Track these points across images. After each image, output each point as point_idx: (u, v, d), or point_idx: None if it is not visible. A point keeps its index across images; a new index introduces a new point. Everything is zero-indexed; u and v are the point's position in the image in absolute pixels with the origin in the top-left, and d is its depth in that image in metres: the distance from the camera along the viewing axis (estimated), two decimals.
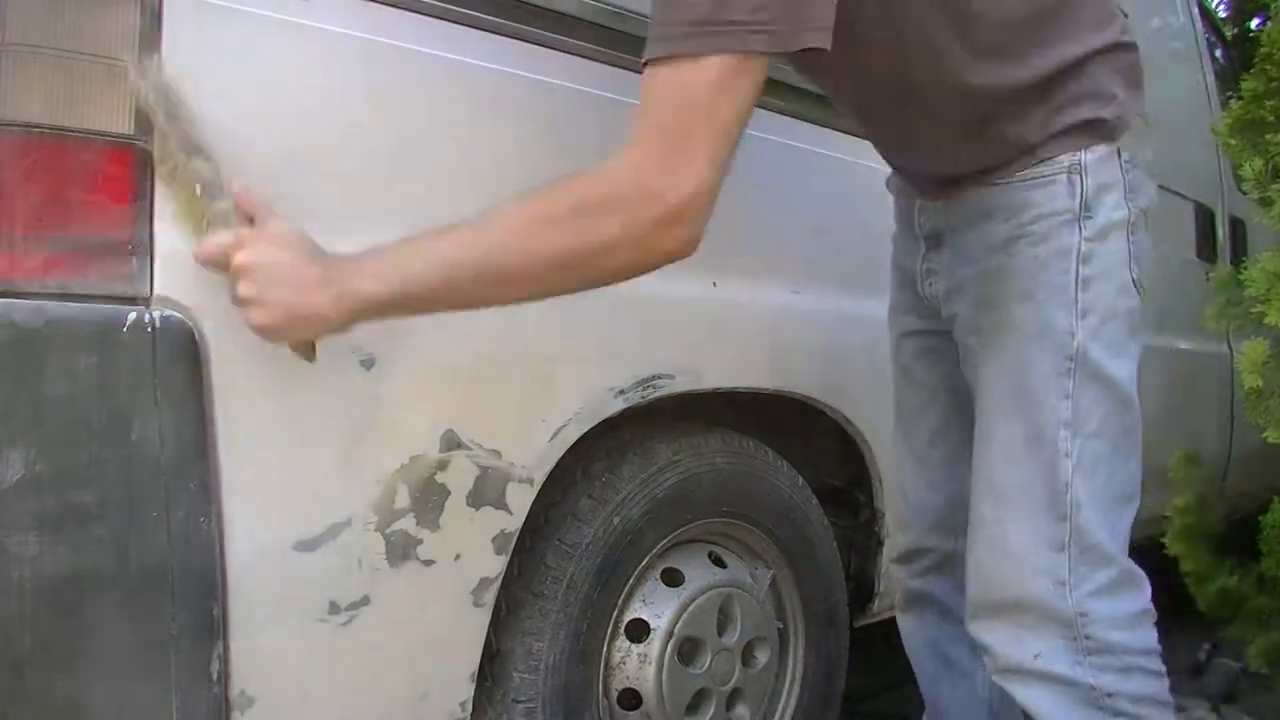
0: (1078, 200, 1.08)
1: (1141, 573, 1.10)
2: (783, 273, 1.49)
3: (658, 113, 0.91)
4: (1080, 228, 1.08)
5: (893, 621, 1.86)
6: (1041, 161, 1.09)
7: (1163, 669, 1.10)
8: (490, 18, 1.14)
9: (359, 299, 0.91)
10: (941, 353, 1.28)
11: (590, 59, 1.24)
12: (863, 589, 1.71)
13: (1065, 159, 1.09)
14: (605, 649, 1.32)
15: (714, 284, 1.38)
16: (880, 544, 1.68)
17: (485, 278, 0.92)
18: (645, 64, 0.90)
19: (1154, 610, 1.11)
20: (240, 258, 0.89)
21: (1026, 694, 1.11)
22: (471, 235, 0.91)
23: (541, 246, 0.90)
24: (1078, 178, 1.08)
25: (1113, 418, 1.08)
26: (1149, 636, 1.10)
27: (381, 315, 0.94)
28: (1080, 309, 1.08)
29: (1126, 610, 1.08)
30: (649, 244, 0.91)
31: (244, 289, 0.90)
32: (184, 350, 0.93)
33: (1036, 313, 1.09)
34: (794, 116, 1.49)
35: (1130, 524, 1.11)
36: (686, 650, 1.36)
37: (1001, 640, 1.11)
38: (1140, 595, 1.10)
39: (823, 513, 1.59)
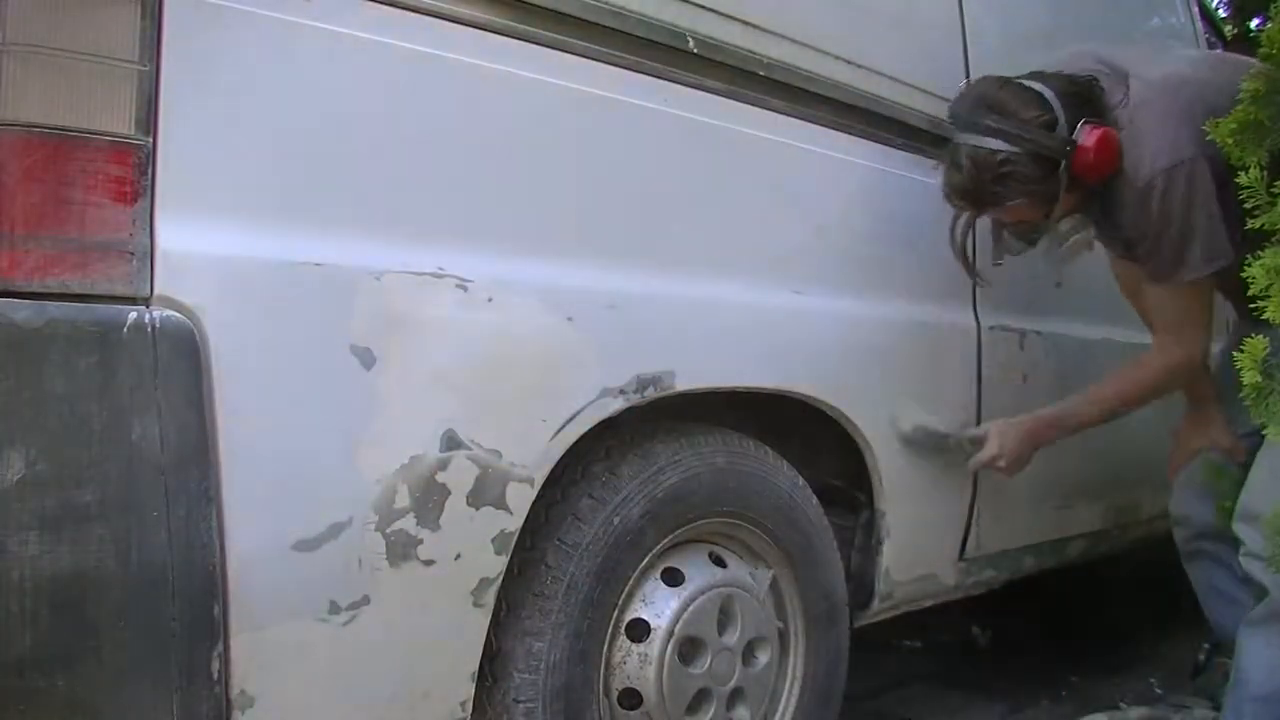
0: None
1: None
2: (784, 273, 1.49)
3: (1184, 315, 1.68)
4: None
5: (893, 621, 1.86)
6: None
7: None
8: (492, 19, 1.14)
9: (1046, 441, 1.81)
10: None
11: (594, 59, 1.24)
12: (863, 589, 1.71)
13: None
14: (605, 649, 1.32)
15: (715, 284, 1.38)
16: (880, 543, 1.68)
17: (1095, 413, 1.82)
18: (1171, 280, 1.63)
19: None
20: (1003, 465, 1.77)
21: (1251, 567, 1.59)
22: (1102, 404, 1.81)
23: (1121, 402, 1.80)
24: None
25: None
26: None
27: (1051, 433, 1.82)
28: None
29: None
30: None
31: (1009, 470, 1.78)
32: (184, 350, 0.93)
33: None
34: (798, 118, 1.49)
35: None
36: (687, 650, 1.36)
37: (1250, 536, 1.59)
38: None
39: (823, 513, 1.58)
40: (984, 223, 1.70)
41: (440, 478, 1.10)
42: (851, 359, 1.58)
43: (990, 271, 1.75)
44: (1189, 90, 1.58)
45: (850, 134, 1.59)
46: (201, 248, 0.95)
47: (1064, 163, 1.55)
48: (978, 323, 1.83)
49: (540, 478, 1.19)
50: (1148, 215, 1.57)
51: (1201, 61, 1.72)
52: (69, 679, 0.89)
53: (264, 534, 0.99)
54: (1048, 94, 1.56)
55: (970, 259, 1.69)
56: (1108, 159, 1.56)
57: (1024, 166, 1.54)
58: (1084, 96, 1.59)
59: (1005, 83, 1.60)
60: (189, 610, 0.94)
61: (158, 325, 0.91)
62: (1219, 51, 2.61)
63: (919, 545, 1.77)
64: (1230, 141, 1.50)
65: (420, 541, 1.10)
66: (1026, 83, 1.59)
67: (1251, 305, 1.39)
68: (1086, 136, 1.54)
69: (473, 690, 1.18)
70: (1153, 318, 1.76)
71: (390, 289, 1.06)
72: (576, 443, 1.22)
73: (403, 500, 1.08)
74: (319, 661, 1.05)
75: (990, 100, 1.57)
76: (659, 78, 1.31)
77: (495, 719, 1.25)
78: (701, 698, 1.38)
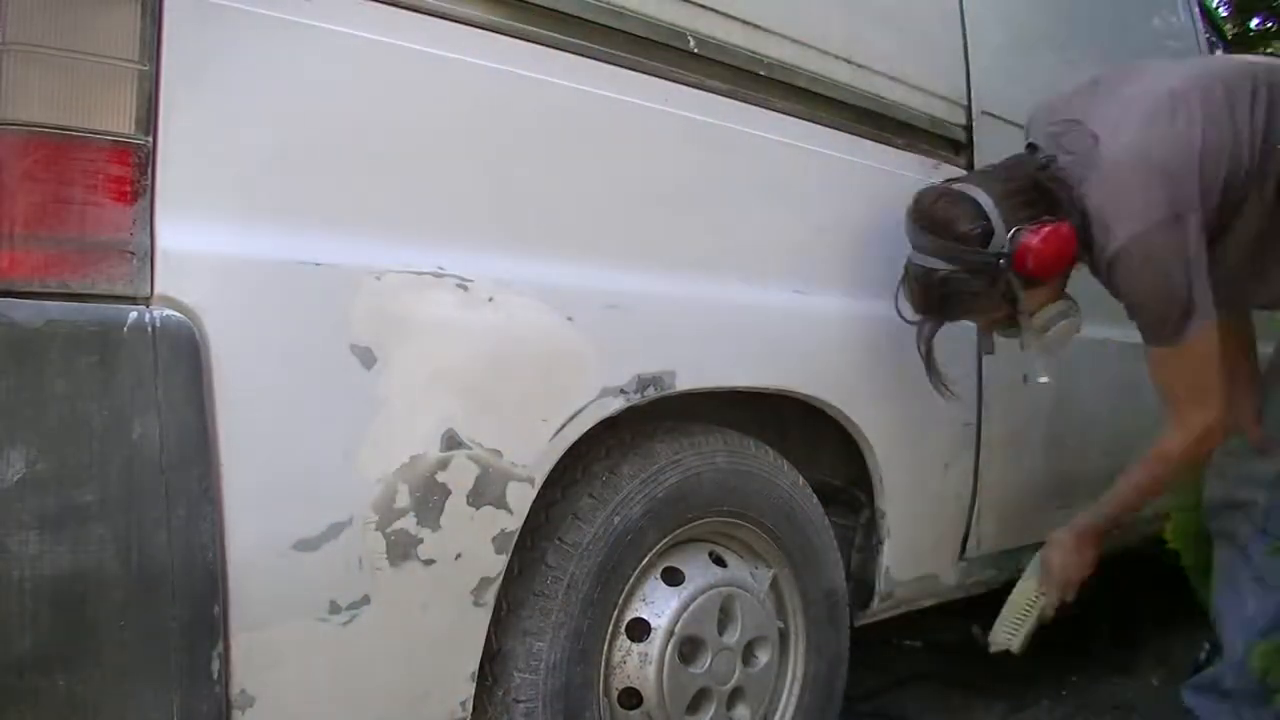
0: None
1: None
2: (785, 272, 1.49)
3: (1194, 378, 1.58)
4: None
5: (893, 621, 1.86)
6: None
7: None
8: (493, 18, 1.14)
9: (1087, 534, 1.78)
10: None
11: (592, 58, 1.24)
12: (863, 588, 1.71)
13: None
14: (606, 648, 1.32)
15: (716, 283, 1.38)
16: (880, 543, 1.68)
17: (1135, 503, 1.78)
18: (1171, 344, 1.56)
19: None
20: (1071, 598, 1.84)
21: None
22: (1138, 491, 1.75)
23: (1159, 486, 1.77)
24: None
25: None
26: None
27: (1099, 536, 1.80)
28: None
29: None
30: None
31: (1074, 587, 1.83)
32: (184, 350, 0.93)
33: None
34: (798, 118, 1.50)
35: None
36: (687, 650, 1.36)
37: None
38: None
39: (823, 512, 1.59)
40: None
41: (440, 477, 1.10)
42: (851, 359, 1.58)
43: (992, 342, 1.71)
44: (1164, 147, 1.50)
45: (850, 133, 1.59)
46: (201, 247, 0.95)
47: (1005, 269, 1.49)
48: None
49: (540, 477, 1.19)
50: (1118, 290, 1.55)
51: (1192, 93, 1.53)
52: (69, 679, 0.89)
53: (264, 534, 0.99)
54: (984, 201, 1.50)
55: (932, 360, 1.58)
56: (1053, 256, 1.50)
57: (966, 282, 1.50)
58: (1032, 192, 1.52)
59: (942, 195, 1.54)
60: (189, 610, 0.94)
61: (158, 325, 0.91)
62: (1219, 58, 2.59)
63: (919, 545, 1.77)
64: None
65: (420, 541, 1.10)
66: (965, 188, 1.53)
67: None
68: (1028, 239, 1.48)
69: (473, 690, 1.18)
70: (1165, 389, 1.63)
71: (390, 289, 1.06)
72: (577, 442, 1.22)
73: (403, 500, 1.08)
74: (319, 661, 1.05)
75: (926, 216, 1.52)
76: (659, 77, 1.31)
77: (495, 719, 1.25)
78: (702, 697, 1.38)
